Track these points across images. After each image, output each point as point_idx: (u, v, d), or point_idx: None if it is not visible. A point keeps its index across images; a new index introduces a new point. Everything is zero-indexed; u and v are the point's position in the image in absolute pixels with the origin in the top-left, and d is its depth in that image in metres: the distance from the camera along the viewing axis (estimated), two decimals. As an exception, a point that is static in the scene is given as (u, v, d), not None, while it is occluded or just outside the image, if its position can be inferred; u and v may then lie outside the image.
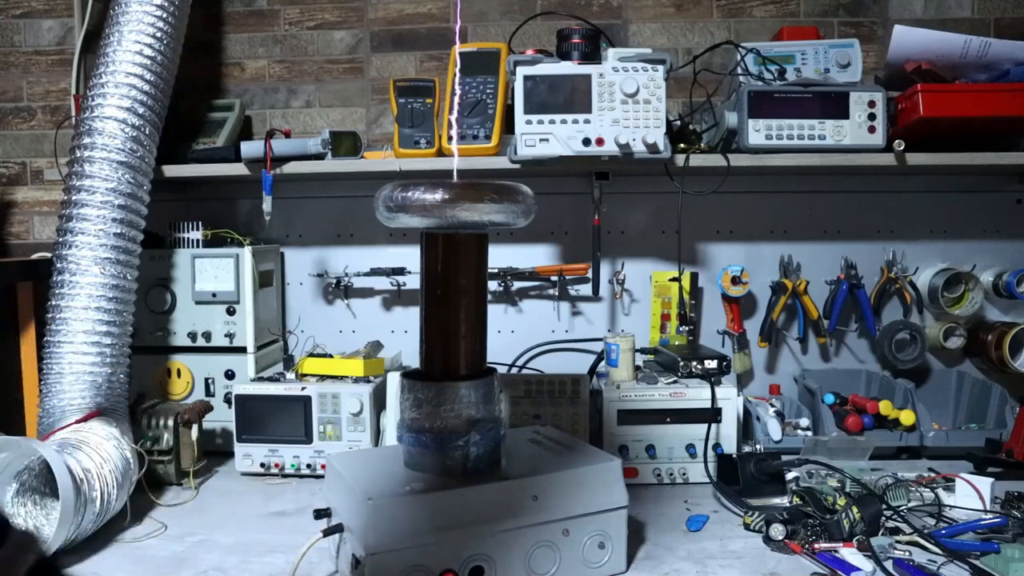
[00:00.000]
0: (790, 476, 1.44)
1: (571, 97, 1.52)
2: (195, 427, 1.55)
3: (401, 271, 1.87)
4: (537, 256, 1.90)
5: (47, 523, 1.24)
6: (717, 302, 1.87)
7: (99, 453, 1.27)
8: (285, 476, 1.59)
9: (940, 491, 1.36)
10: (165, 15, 1.52)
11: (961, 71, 1.60)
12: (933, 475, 1.42)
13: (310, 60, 1.97)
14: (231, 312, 1.73)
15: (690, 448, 1.51)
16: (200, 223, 1.77)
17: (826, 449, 1.45)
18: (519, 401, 1.59)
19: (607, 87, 1.51)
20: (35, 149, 2.01)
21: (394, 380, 1.55)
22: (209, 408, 1.62)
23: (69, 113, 1.91)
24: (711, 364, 1.58)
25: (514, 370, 1.87)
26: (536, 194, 1.15)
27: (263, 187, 1.64)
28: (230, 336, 1.73)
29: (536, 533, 1.07)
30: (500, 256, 1.86)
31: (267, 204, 1.64)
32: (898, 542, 1.16)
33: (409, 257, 1.89)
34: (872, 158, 1.58)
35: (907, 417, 1.60)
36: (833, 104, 1.57)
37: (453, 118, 1.30)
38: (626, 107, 1.51)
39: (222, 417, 1.71)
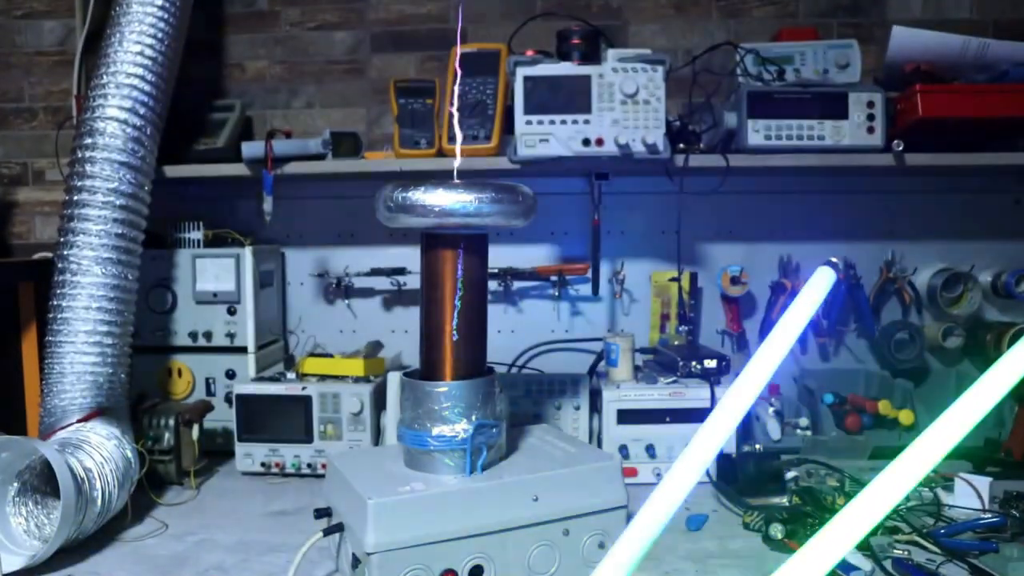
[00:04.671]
0: (789, 476, 1.44)
1: (571, 98, 1.52)
2: (196, 427, 1.55)
3: (401, 271, 1.87)
4: (537, 256, 1.90)
5: (48, 523, 1.25)
6: (716, 302, 1.88)
7: (100, 453, 1.28)
8: (285, 476, 1.59)
9: (939, 490, 1.37)
10: (166, 16, 1.52)
11: (960, 72, 1.61)
12: (932, 474, 1.43)
13: (311, 61, 1.97)
14: (232, 312, 1.74)
15: (690, 448, 1.51)
16: (201, 223, 1.77)
17: (825, 449, 1.46)
18: (519, 401, 1.59)
19: (607, 88, 1.52)
20: (37, 149, 2.01)
21: (394, 380, 1.55)
22: (210, 408, 1.63)
23: (70, 114, 1.91)
24: (711, 364, 1.59)
25: (514, 370, 1.88)
26: (536, 194, 1.15)
27: (264, 187, 1.65)
28: (231, 336, 1.74)
29: (536, 533, 1.07)
30: (500, 256, 1.86)
31: (268, 204, 1.65)
32: (897, 541, 1.17)
33: (409, 257, 1.90)
34: (871, 158, 1.59)
35: (906, 417, 1.60)
36: (832, 104, 1.57)
37: (455, 113, 1.27)
38: (626, 107, 1.52)
39: (223, 417, 1.71)
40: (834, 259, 0.66)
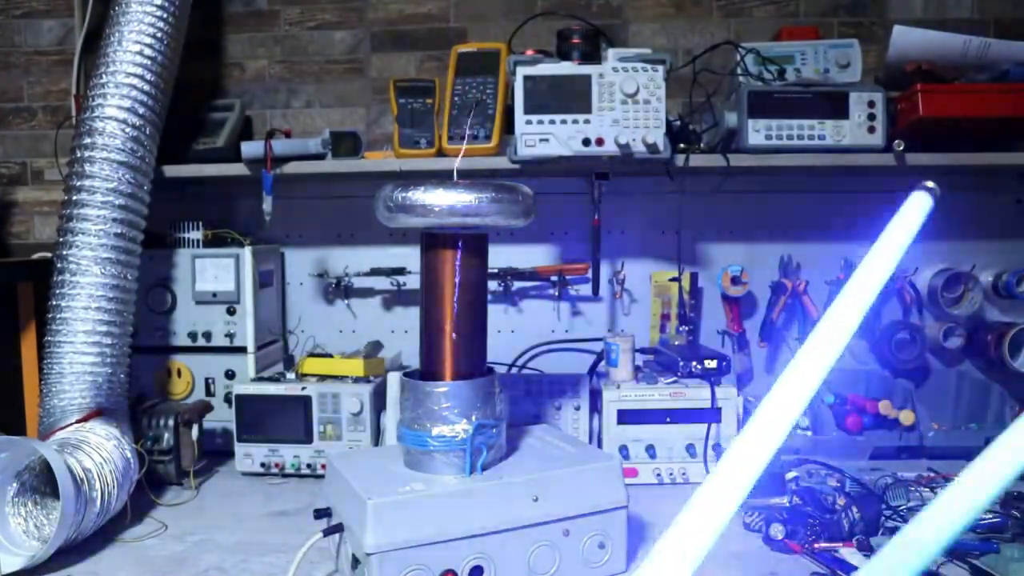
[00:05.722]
0: (790, 476, 1.44)
1: (571, 97, 1.52)
2: (195, 427, 1.55)
3: (401, 271, 1.87)
4: (537, 256, 1.90)
5: (48, 523, 1.24)
6: (717, 302, 1.87)
7: (99, 453, 1.27)
8: (285, 476, 1.59)
9: (940, 491, 1.36)
10: (165, 15, 1.52)
11: (961, 71, 1.60)
12: (933, 475, 1.42)
13: (310, 60, 1.97)
14: (231, 312, 1.73)
15: (690, 448, 1.51)
16: (200, 223, 1.77)
17: (826, 449, 1.45)
18: (519, 401, 1.59)
19: (607, 87, 1.51)
20: (35, 149, 2.01)
21: (394, 380, 1.55)
22: (209, 408, 1.62)
23: (69, 113, 1.91)
24: (711, 364, 1.58)
25: (514, 370, 1.87)
26: (536, 194, 1.15)
27: (263, 187, 1.64)
28: (230, 336, 1.73)
29: (536, 533, 1.07)
30: (500, 256, 1.86)
31: (267, 204, 1.64)
32: (898, 542, 1.16)
33: (409, 257, 1.89)
34: (872, 158, 1.58)
35: (907, 417, 1.60)
36: (833, 104, 1.57)
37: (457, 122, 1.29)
38: (626, 107, 1.51)
39: (222, 417, 1.71)
40: (930, 184, 0.52)
